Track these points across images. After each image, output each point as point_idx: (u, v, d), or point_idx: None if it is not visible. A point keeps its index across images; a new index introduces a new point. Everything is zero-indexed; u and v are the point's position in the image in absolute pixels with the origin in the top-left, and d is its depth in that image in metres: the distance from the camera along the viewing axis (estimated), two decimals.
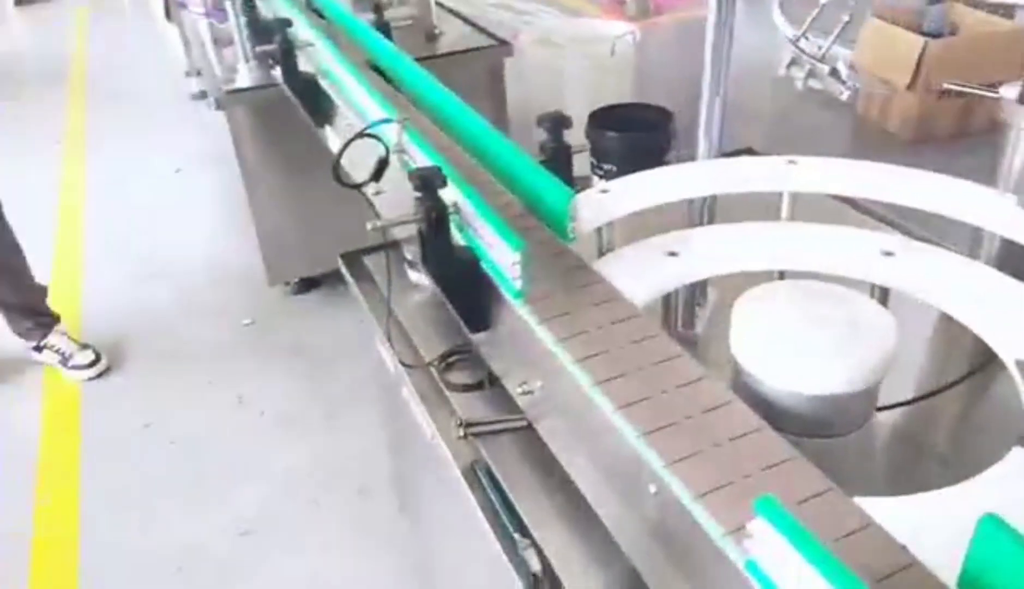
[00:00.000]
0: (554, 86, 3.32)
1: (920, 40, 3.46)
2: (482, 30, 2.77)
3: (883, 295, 1.01)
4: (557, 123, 1.10)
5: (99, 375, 2.47)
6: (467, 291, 1.05)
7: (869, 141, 3.74)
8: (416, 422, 1.38)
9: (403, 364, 1.27)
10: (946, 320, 0.97)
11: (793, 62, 0.99)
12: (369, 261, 1.55)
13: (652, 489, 0.73)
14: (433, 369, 1.26)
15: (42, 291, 2.50)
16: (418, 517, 1.79)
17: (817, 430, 0.80)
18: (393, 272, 1.48)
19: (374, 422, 2.27)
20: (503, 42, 2.68)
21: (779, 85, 4.58)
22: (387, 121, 1.19)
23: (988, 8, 3.40)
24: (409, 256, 1.44)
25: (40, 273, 2.53)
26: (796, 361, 0.79)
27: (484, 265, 1.00)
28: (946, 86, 1.13)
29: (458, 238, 1.05)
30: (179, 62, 4.70)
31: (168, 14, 4.57)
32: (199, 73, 4.53)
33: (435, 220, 0.97)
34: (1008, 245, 1.00)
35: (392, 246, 1.46)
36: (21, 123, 4.30)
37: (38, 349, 2.46)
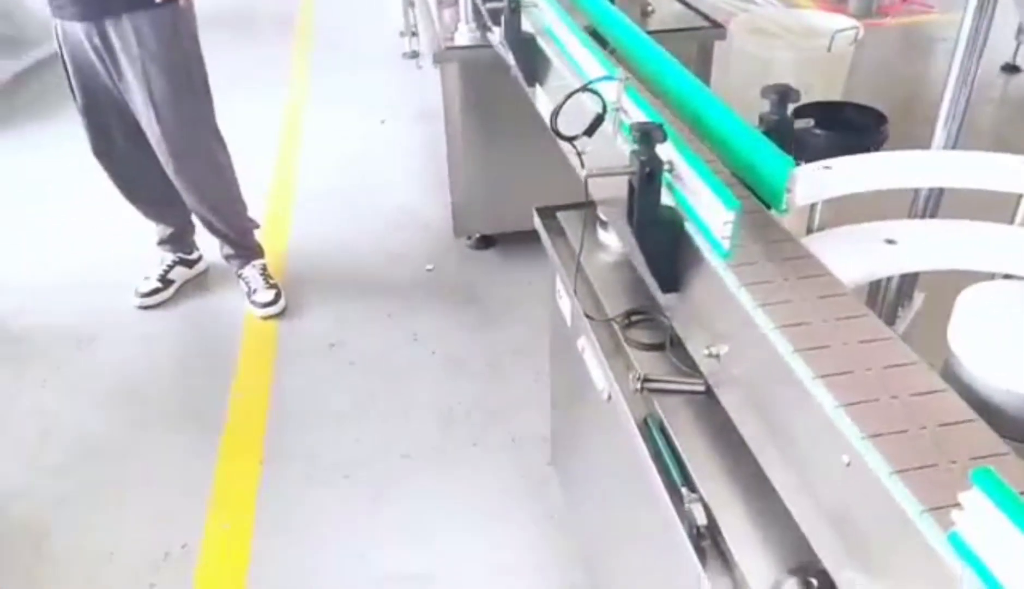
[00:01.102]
0: (759, 75, 3.22)
1: None
2: (696, 10, 2.73)
3: None
4: (783, 95, 1.09)
5: (272, 316, 2.66)
6: (665, 250, 1.07)
7: None
8: (586, 376, 1.43)
9: (587, 316, 1.32)
10: None
11: None
12: (562, 217, 1.61)
13: (845, 459, 0.72)
14: (616, 324, 1.29)
15: (252, 225, 2.76)
16: (568, 470, 1.84)
17: None
18: (586, 229, 1.53)
19: (534, 377, 2.35)
20: (716, 24, 2.63)
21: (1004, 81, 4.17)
22: (609, 78, 1.22)
23: None
24: (603, 216, 1.47)
25: (255, 209, 2.80)
26: (1021, 359, 0.75)
27: (690, 225, 1.01)
28: None
29: (664, 199, 1.07)
30: (396, 23, 5.00)
31: None
32: (414, 33, 4.81)
33: (649, 174, 0.99)
34: None
35: (588, 205, 1.50)
36: (253, 66, 4.75)
37: (239, 275, 2.73)
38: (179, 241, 2.76)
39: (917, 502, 0.63)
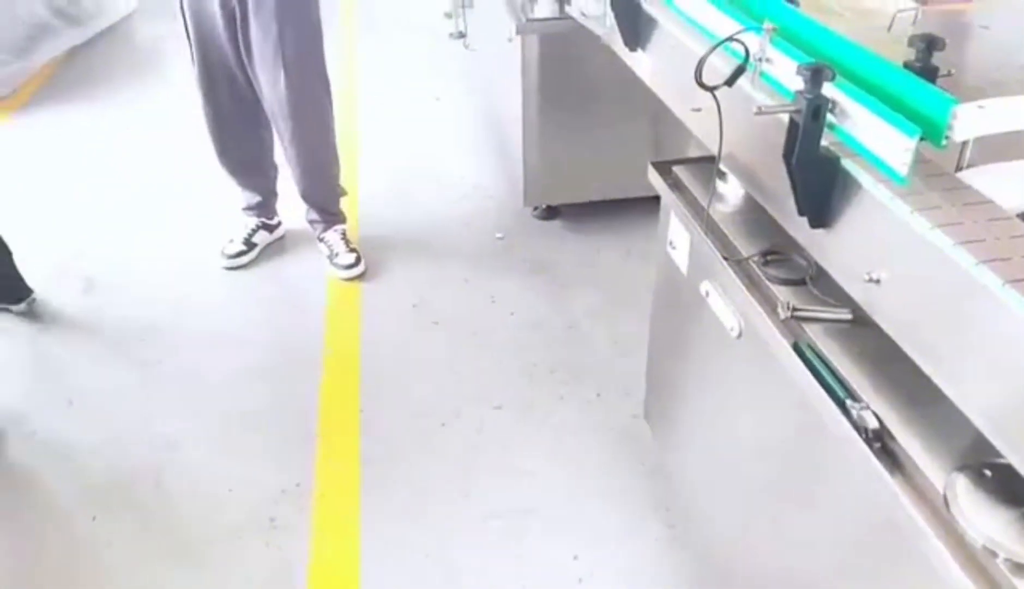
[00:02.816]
0: None
1: None
2: None
3: None
4: (930, 43, 1.17)
5: (354, 278, 2.75)
6: (822, 188, 1.15)
7: None
8: (709, 320, 1.51)
9: (725, 258, 1.40)
10: None
11: None
12: (678, 170, 1.69)
13: None
14: (753, 263, 1.37)
15: (342, 192, 2.85)
16: (669, 420, 1.93)
17: None
18: (703, 185, 1.62)
19: (613, 339, 2.44)
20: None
21: None
22: (755, 28, 1.30)
23: None
24: (723, 168, 1.55)
25: None
26: None
27: (853, 161, 1.09)
28: None
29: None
30: (442, 3, 5.08)
31: None
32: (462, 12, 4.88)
33: (815, 111, 1.07)
34: None
35: (707, 160, 1.58)
36: None
37: (320, 239, 2.83)
38: (264, 208, 2.85)
39: None
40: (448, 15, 5.15)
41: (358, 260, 2.76)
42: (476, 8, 3.84)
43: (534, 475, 2.02)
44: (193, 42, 2.44)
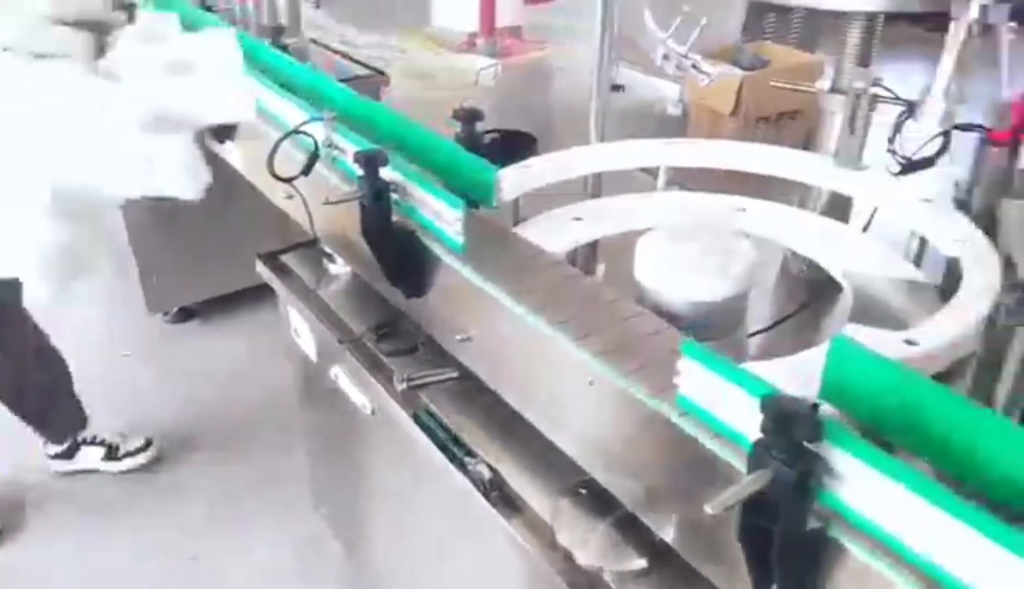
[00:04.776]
0: (424, 112, 3.51)
1: (738, 73, 3.99)
2: (357, 61, 2.93)
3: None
4: (471, 116, 1.30)
5: None
6: (404, 260, 1.20)
7: None
8: (344, 402, 1.50)
9: (340, 341, 1.40)
10: (788, 259, 1.24)
11: (665, 57, 1.24)
12: (285, 259, 1.66)
13: (589, 380, 0.92)
14: (367, 341, 1.39)
15: None
16: (337, 503, 1.87)
17: (706, 334, 1.02)
18: (312, 268, 1.61)
19: (281, 440, 2.32)
20: (379, 72, 2.85)
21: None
22: (317, 119, 1.32)
23: (793, 43, 3.99)
24: (328, 250, 1.56)
25: None
26: (688, 276, 1.02)
27: (423, 232, 1.16)
28: (774, 83, 1.44)
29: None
30: None
31: None
32: None
33: (377, 194, 1.12)
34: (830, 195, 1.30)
35: (314, 243, 1.58)
36: None
37: None
38: None
39: (646, 389, 0.84)
40: None
41: None
42: None
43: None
44: None
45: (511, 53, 6.16)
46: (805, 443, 0.63)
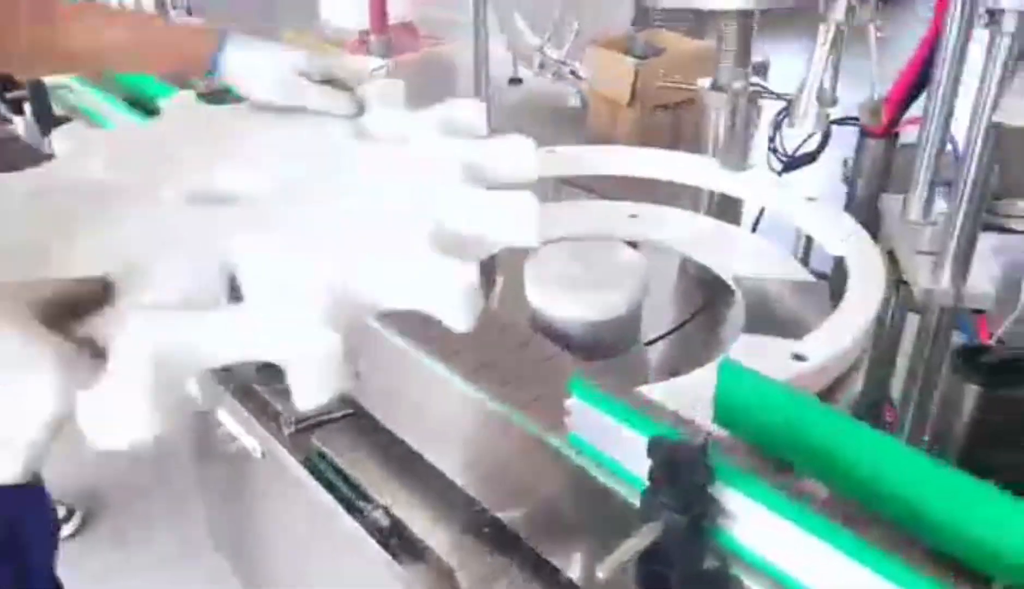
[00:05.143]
0: None
1: (632, 63, 4.02)
2: None
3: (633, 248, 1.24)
4: None
5: None
6: None
7: None
8: (233, 450, 1.40)
9: (221, 384, 1.29)
10: (684, 263, 1.22)
11: (542, 65, 1.19)
12: None
13: (485, 415, 0.86)
14: (255, 382, 1.30)
15: None
16: (234, 545, 1.77)
17: (601, 352, 0.99)
18: None
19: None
20: None
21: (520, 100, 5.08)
22: None
23: (684, 31, 4.04)
24: None
25: None
26: (576, 295, 0.98)
27: None
28: (660, 85, 1.42)
29: None
30: None
31: None
32: None
33: None
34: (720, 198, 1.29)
35: None
36: None
37: None
38: None
39: (544, 424, 0.79)
40: None
41: None
42: None
43: None
44: None
45: (404, 50, 6.07)
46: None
